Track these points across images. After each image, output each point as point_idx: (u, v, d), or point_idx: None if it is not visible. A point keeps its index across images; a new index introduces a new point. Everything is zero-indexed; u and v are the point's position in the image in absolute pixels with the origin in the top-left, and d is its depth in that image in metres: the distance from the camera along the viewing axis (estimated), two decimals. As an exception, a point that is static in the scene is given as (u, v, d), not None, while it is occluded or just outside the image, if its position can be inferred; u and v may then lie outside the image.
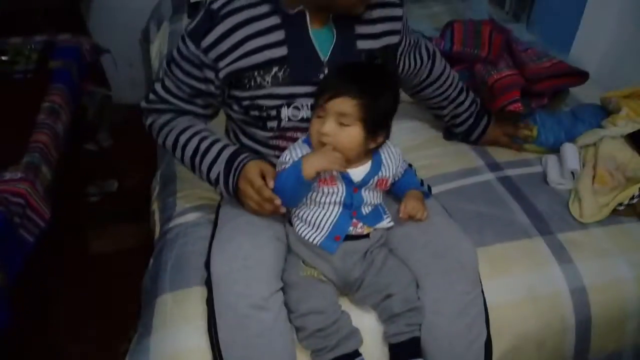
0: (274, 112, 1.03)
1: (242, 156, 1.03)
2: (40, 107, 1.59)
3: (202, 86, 1.05)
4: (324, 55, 1.01)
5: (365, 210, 1.02)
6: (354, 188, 1.00)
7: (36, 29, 2.03)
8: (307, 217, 1.01)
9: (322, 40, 1.01)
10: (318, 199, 1.00)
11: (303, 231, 1.01)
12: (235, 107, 1.06)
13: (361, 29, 1.04)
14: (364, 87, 0.93)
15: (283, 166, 1.00)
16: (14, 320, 1.18)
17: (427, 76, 1.31)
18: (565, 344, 1.10)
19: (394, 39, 1.10)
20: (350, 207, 1.00)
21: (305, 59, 1.01)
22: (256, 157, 1.05)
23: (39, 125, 1.52)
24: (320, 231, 1.00)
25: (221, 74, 1.00)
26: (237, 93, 1.03)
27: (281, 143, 1.06)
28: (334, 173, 0.97)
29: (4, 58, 1.86)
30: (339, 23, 1.01)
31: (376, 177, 1.01)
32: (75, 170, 2.03)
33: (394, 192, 1.12)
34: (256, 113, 1.03)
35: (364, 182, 1.00)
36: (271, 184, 0.98)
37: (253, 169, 1.00)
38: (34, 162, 1.39)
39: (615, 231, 1.19)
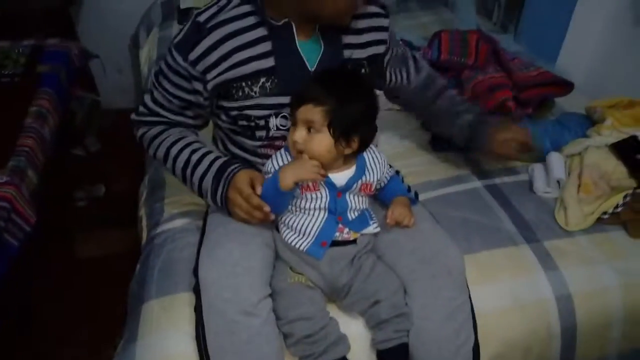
0: (262, 122, 1.03)
1: (232, 167, 1.04)
2: (27, 111, 1.58)
3: (191, 97, 1.05)
4: (311, 66, 1.02)
5: (351, 215, 1.03)
6: (337, 193, 1.00)
7: (25, 33, 2.02)
8: (293, 223, 1.01)
9: (309, 50, 1.02)
10: (302, 205, 1.00)
11: (289, 238, 1.01)
12: (224, 117, 1.07)
13: (348, 39, 1.05)
14: (331, 94, 0.93)
15: (267, 175, 1.01)
16: (-1, 324, 1.16)
17: (421, 96, 1.31)
18: (551, 351, 1.11)
19: (380, 49, 1.12)
20: (335, 212, 1.00)
21: (293, 70, 1.01)
22: (246, 167, 1.05)
23: (25, 129, 1.51)
24: (307, 237, 1.00)
25: (209, 86, 1.00)
26: (226, 104, 1.03)
27: (269, 152, 1.07)
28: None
29: (-9, 62, 1.85)
30: (326, 34, 1.02)
31: (360, 182, 1.01)
32: (63, 175, 2.02)
33: (381, 198, 1.13)
34: (244, 123, 1.04)
35: (348, 187, 1.00)
36: (259, 191, 0.98)
37: (242, 177, 1.00)
38: (20, 166, 1.38)
39: (600, 239, 1.21)
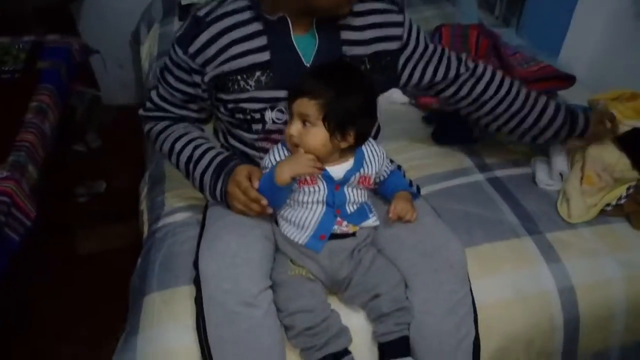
0: (258, 115, 1.04)
1: (233, 162, 1.05)
2: (27, 107, 1.58)
3: (192, 90, 1.07)
4: (307, 61, 1.02)
5: (350, 208, 1.02)
6: (335, 186, 0.99)
7: (25, 29, 2.02)
8: (291, 217, 1.01)
9: (306, 45, 1.02)
10: (300, 199, 0.99)
11: (288, 231, 1.01)
12: (222, 110, 1.08)
13: (347, 35, 1.04)
14: (326, 87, 0.92)
15: (264, 170, 1.01)
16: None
17: (465, 95, 1.19)
18: (554, 343, 1.10)
19: (392, 45, 1.09)
20: (333, 205, 1.00)
21: (289, 64, 1.01)
22: (246, 162, 1.07)
23: (26, 124, 1.51)
24: (305, 231, 1.00)
25: (207, 78, 1.02)
26: (223, 96, 1.04)
27: (267, 145, 1.07)
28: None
29: (-9, 57, 1.85)
30: (323, 29, 1.02)
31: (358, 174, 1.01)
32: (64, 170, 2.02)
33: (383, 193, 1.12)
34: (241, 116, 1.05)
35: (345, 180, 1.00)
36: (256, 185, 0.99)
37: (241, 171, 1.02)
38: (20, 161, 1.38)
39: (603, 231, 1.20)
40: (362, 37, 1.06)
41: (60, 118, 1.70)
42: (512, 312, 1.08)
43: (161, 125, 1.14)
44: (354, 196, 1.02)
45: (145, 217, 1.32)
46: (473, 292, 1.03)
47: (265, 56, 1.00)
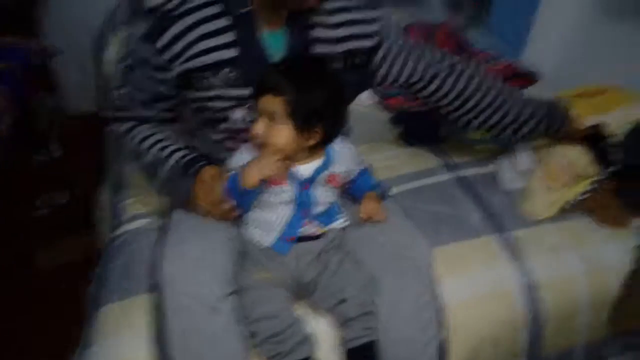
0: (225, 114, 1.02)
1: (199, 163, 1.02)
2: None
3: (159, 89, 1.04)
4: (276, 58, 1.00)
5: (319, 209, 1.00)
6: (304, 185, 0.98)
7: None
8: (257, 219, 0.99)
9: (276, 42, 1.00)
10: (268, 200, 0.97)
11: (254, 234, 0.99)
12: (188, 109, 1.06)
13: (319, 33, 1.03)
14: (290, 83, 0.89)
15: (231, 172, 0.99)
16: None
17: (447, 92, 1.16)
18: (519, 342, 1.11)
19: (367, 43, 1.08)
20: (302, 205, 0.98)
21: (256, 62, 0.99)
22: (213, 163, 1.04)
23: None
24: (272, 233, 0.98)
25: (173, 74, 0.99)
26: (188, 94, 1.02)
27: (234, 145, 1.04)
28: None
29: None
30: (294, 26, 1.00)
31: (327, 172, 0.99)
32: (25, 181, 1.95)
33: (352, 193, 1.11)
34: (207, 114, 1.03)
35: (314, 178, 0.98)
36: (223, 186, 0.96)
37: (207, 172, 0.99)
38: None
39: (566, 227, 1.21)
40: (335, 35, 1.04)
41: (17, 123, 1.64)
42: (478, 312, 1.07)
43: (126, 125, 1.10)
44: (323, 196, 1.00)
45: (104, 225, 1.27)
46: (440, 292, 1.03)
47: (232, 52, 0.98)
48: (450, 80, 1.15)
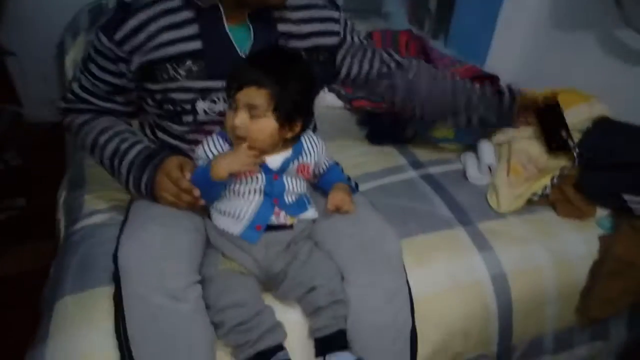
0: (188, 106, 1.00)
1: (162, 154, 1.00)
2: None
3: (118, 81, 1.02)
4: (243, 52, 1.00)
5: (289, 199, 0.99)
6: (274, 175, 0.97)
7: None
8: (225, 208, 0.97)
9: (240, 37, 1.00)
10: (236, 189, 0.96)
11: (222, 223, 0.96)
12: (150, 102, 1.03)
13: (284, 28, 1.04)
14: (273, 75, 0.89)
15: (200, 162, 0.97)
16: None
17: (398, 85, 1.22)
18: (489, 330, 1.11)
19: (331, 40, 1.10)
20: (271, 194, 0.97)
21: (222, 54, 0.99)
22: (177, 154, 1.01)
23: None
24: (240, 221, 0.96)
25: (133, 67, 0.97)
26: (150, 86, 1.00)
27: (199, 137, 1.02)
28: None
29: None
30: (258, 21, 1.00)
31: (296, 162, 0.98)
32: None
33: (321, 186, 1.10)
34: (170, 107, 1.01)
35: (283, 168, 0.97)
36: (188, 176, 0.94)
37: (172, 161, 0.97)
38: None
39: (531, 220, 1.23)
40: (300, 31, 1.05)
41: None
42: (448, 302, 1.07)
43: (83, 117, 1.07)
44: (293, 186, 0.99)
45: (62, 223, 1.22)
46: (409, 283, 1.02)
47: (196, 45, 0.97)
48: (399, 75, 1.22)
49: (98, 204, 1.16)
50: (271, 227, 0.97)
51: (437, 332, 1.05)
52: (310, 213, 1.02)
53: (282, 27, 1.03)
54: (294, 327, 0.95)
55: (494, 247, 1.15)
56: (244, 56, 0.99)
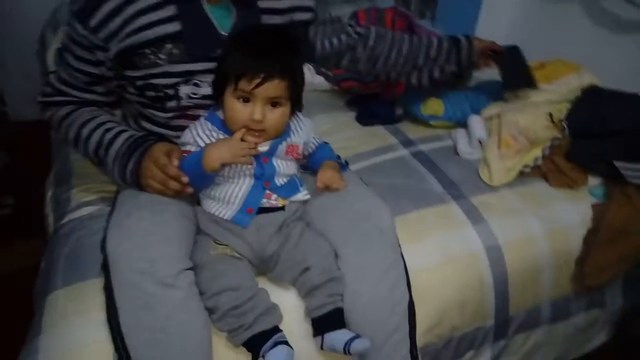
0: (171, 91, 0.98)
1: (149, 141, 0.98)
2: None
3: (96, 70, 0.99)
4: (225, 30, 0.98)
5: (280, 181, 0.98)
6: (263, 158, 0.95)
7: None
8: (216, 193, 0.96)
9: (221, 15, 0.98)
10: (226, 173, 0.94)
11: (213, 208, 0.95)
12: (131, 89, 1.01)
13: (265, 4, 1.03)
14: (286, 65, 0.89)
15: (188, 147, 0.95)
16: None
17: (361, 53, 1.25)
18: (486, 302, 1.11)
19: (305, 16, 1.10)
20: (262, 177, 0.96)
21: (202, 35, 0.97)
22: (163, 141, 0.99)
23: None
24: (232, 205, 0.94)
25: (111, 54, 0.95)
26: (130, 73, 0.97)
27: (184, 123, 1.01)
28: None
29: None
30: None
31: (285, 144, 0.97)
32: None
33: (311, 166, 1.09)
34: (152, 93, 0.98)
35: (272, 151, 0.96)
36: (176, 162, 0.92)
37: (159, 148, 0.94)
38: None
39: (523, 191, 1.23)
40: (280, 6, 1.05)
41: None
42: (443, 275, 1.07)
43: (64, 110, 1.04)
44: (284, 168, 0.98)
45: (50, 219, 1.20)
46: (404, 258, 1.01)
47: (175, 26, 0.95)
48: (362, 43, 1.24)
49: (85, 196, 1.14)
50: (263, 210, 0.96)
51: (433, 304, 1.05)
52: (302, 195, 1.01)
53: (263, 4, 1.02)
54: (290, 309, 0.95)
55: (487, 219, 1.15)
56: (224, 34, 0.98)
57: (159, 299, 0.82)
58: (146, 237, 0.85)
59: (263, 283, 0.96)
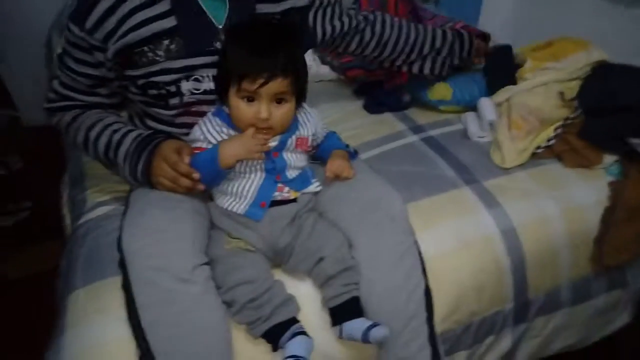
0: (173, 88, 0.98)
1: (158, 139, 0.98)
2: None
3: (97, 72, 0.99)
4: (219, 22, 0.98)
5: (291, 174, 0.98)
6: (273, 152, 0.96)
7: None
8: (228, 188, 0.96)
9: (215, 7, 0.98)
10: (238, 169, 0.95)
11: (226, 202, 0.96)
12: (133, 89, 1.01)
13: None
14: (288, 61, 0.88)
15: (198, 144, 0.96)
16: None
17: (368, 40, 1.25)
18: (504, 285, 1.10)
19: (301, 2, 1.09)
20: (273, 171, 0.96)
21: (198, 28, 0.97)
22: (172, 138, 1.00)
23: None
24: (244, 200, 0.95)
25: (109, 54, 0.95)
26: (131, 72, 0.97)
27: (188, 119, 1.01)
28: None
29: None
30: None
31: (294, 137, 0.97)
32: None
33: (320, 155, 1.09)
34: (154, 91, 0.98)
35: (282, 144, 0.96)
36: (187, 159, 0.92)
37: (169, 145, 0.95)
38: None
39: (536, 172, 1.22)
40: None
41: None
42: (458, 260, 1.06)
43: (70, 115, 1.05)
44: (294, 161, 0.98)
45: (68, 220, 1.21)
46: (419, 245, 1.01)
47: (170, 22, 0.94)
48: (369, 29, 1.24)
49: (100, 197, 1.15)
50: (275, 202, 0.96)
51: (450, 290, 1.04)
52: (314, 187, 1.02)
53: None
54: (307, 299, 0.95)
55: (501, 202, 1.13)
56: (219, 27, 0.98)
57: (176, 294, 0.83)
58: (160, 234, 0.86)
59: (279, 275, 0.97)
